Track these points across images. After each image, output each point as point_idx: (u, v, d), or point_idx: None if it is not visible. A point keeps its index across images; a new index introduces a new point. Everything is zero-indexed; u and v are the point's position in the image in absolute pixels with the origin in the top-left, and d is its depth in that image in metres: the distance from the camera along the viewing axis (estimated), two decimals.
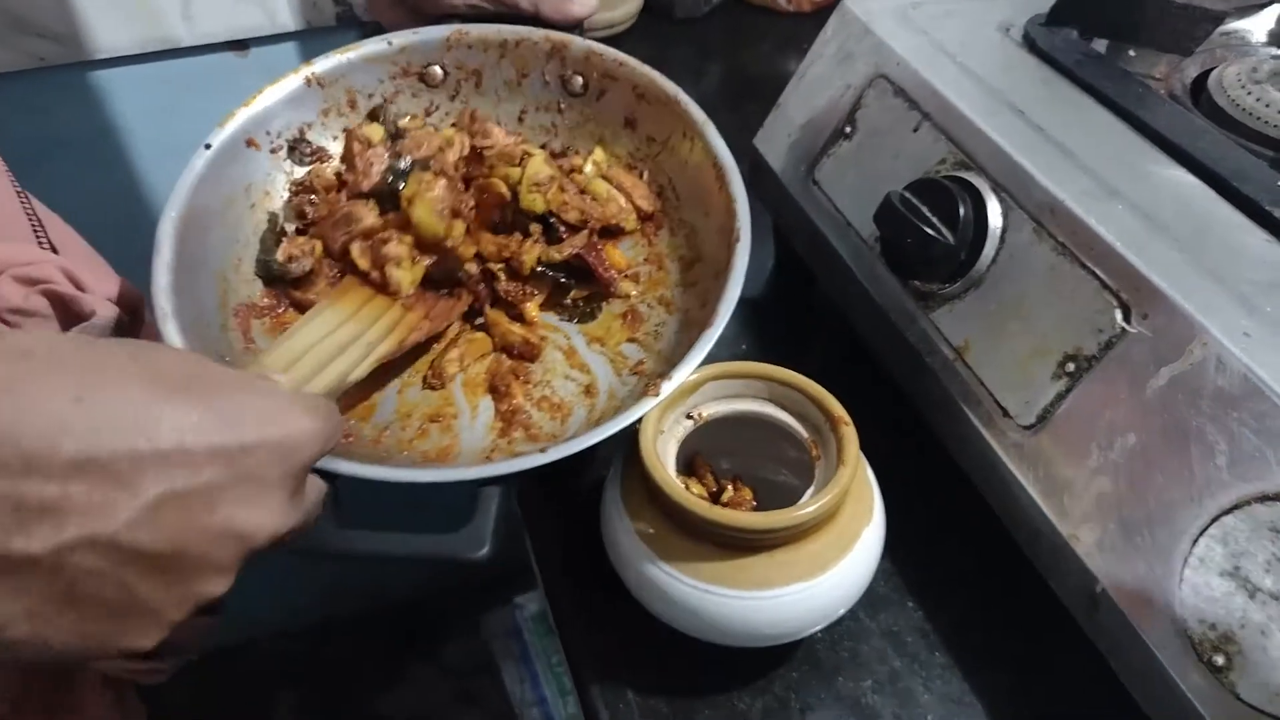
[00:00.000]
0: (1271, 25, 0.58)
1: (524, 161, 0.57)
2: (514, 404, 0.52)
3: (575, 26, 0.65)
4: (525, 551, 0.56)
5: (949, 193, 0.47)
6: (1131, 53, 0.54)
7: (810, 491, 0.43)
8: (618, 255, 0.59)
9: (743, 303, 0.49)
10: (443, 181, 0.54)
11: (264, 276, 0.56)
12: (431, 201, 0.53)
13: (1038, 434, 0.44)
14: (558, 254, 0.56)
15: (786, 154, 0.62)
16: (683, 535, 0.43)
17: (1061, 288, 0.43)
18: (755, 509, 0.50)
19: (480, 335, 0.56)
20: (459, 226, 0.54)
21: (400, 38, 0.61)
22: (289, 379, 0.41)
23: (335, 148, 0.61)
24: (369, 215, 0.55)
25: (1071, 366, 0.43)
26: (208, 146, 0.54)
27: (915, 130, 0.52)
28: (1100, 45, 0.55)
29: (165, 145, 1.03)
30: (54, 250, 0.58)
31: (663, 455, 0.45)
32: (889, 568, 0.52)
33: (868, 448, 0.45)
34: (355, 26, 1.02)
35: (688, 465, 0.51)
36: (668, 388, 0.46)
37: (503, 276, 0.56)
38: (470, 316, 0.57)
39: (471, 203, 0.56)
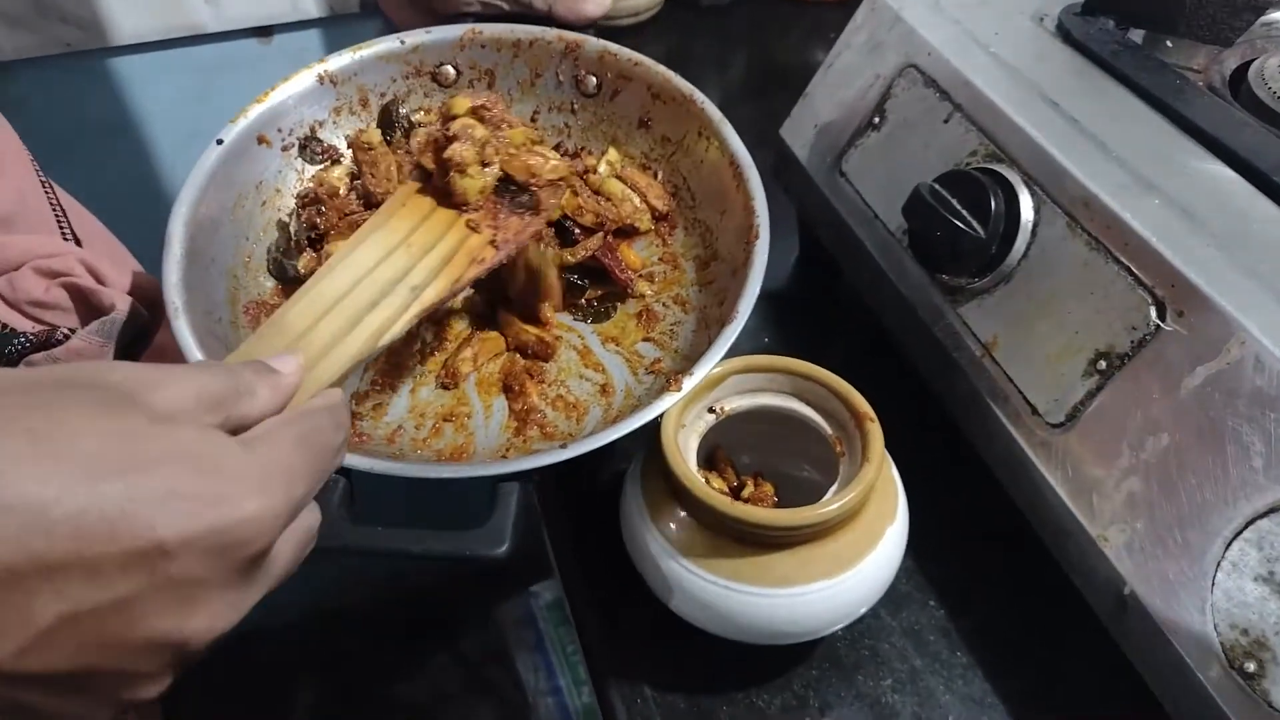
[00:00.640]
0: None
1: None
2: (528, 403, 0.52)
3: (589, 26, 0.64)
4: (540, 540, 0.55)
5: (980, 185, 0.46)
6: (1169, 43, 0.52)
7: (834, 489, 0.43)
8: (632, 255, 0.58)
9: (766, 295, 0.49)
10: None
11: (278, 277, 0.56)
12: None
13: (1067, 432, 0.43)
14: (572, 256, 0.56)
15: (813, 145, 0.61)
16: (703, 531, 0.42)
17: (1094, 283, 0.42)
18: (777, 505, 0.49)
19: (494, 334, 0.56)
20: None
21: (413, 37, 0.61)
22: (304, 355, 0.36)
23: (345, 147, 0.61)
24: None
25: (1103, 364, 0.42)
26: (219, 142, 0.54)
27: (946, 121, 0.51)
28: (1137, 35, 0.54)
29: (189, 131, 1.04)
30: (76, 241, 0.58)
31: (684, 450, 0.44)
32: (911, 565, 0.51)
33: (892, 444, 0.44)
34: (378, 13, 1.02)
35: (708, 460, 0.51)
36: (689, 383, 0.45)
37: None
38: (481, 320, 0.57)
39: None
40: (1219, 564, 0.37)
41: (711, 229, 0.58)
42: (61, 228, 0.57)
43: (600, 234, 0.57)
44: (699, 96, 0.58)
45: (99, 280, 0.52)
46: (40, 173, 0.59)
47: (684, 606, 0.44)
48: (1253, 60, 0.52)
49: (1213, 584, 0.37)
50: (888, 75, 0.55)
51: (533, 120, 0.63)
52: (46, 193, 0.58)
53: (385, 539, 0.41)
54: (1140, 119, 0.47)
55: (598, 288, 0.58)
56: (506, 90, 0.63)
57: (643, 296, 0.57)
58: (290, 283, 0.55)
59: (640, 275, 0.58)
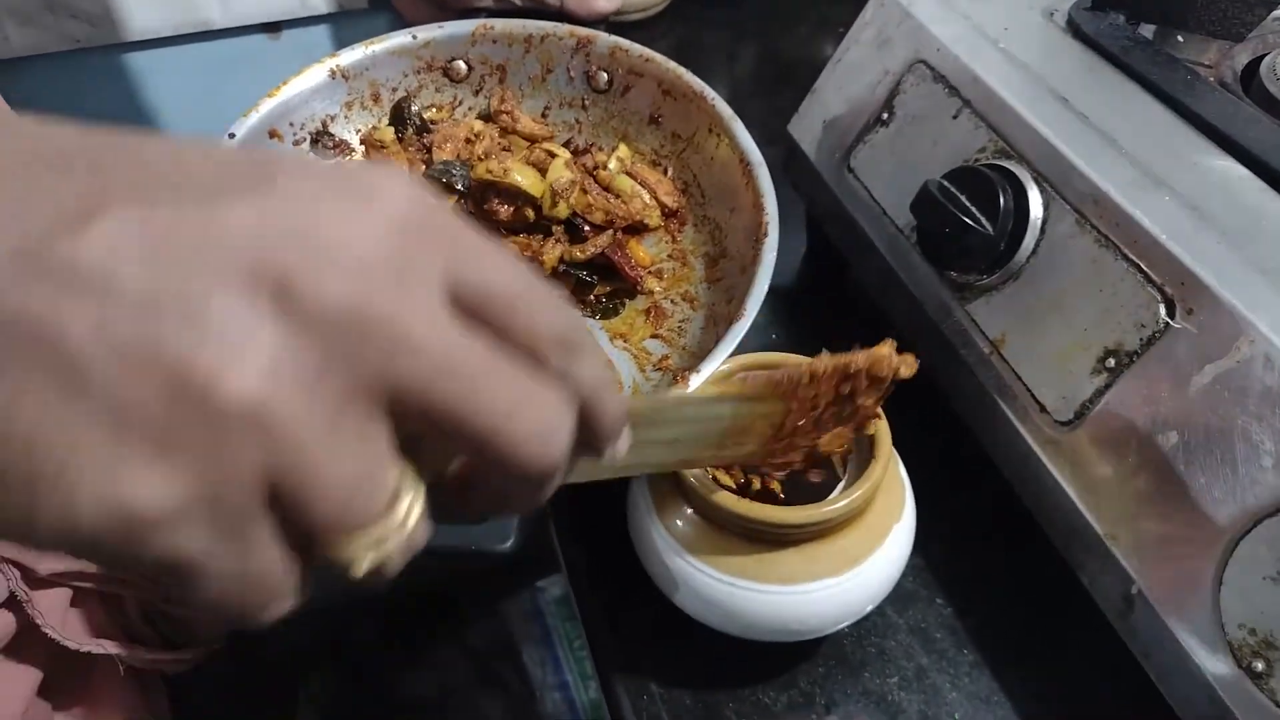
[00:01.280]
0: None
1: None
2: None
3: (600, 22, 0.64)
4: (547, 535, 0.56)
5: (989, 182, 0.46)
6: (1180, 38, 0.52)
7: (841, 486, 0.43)
8: (641, 252, 0.58)
9: (774, 292, 0.49)
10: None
11: None
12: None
13: (1075, 430, 0.43)
14: (581, 253, 0.56)
15: (821, 141, 0.61)
16: (710, 528, 0.42)
17: (1103, 281, 0.42)
18: (783, 502, 0.49)
19: None
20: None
21: (425, 32, 0.61)
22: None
23: (357, 141, 0.61)
24: None
25: (1112, 362, 0.42)
26: (231, 136, 0.54)
27: (955, 117, 0.51)
28: (1147, 30, 0.53)
29: (198, 127, 1.04)
30: None
31: None
32: (918, 563, 0.51)
33: (899, 441, 0.44)
34: (388, 9, 1.02)
35: None
36: (696, 380, 0.45)
37: None
38: None
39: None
40: (1227, 563, 0.36)
41: (721, 226, 0.58)
42: None
43: (610, 231, 0.57)
44: (710, 93, 0.58)
45: None
46: None
47: (690, 603, 0.44)
48: (1264, 55, 0.51)
49: (1221, 583, 0.37)
50: (896, 71, 0.55)
51: (543, 116, 0.63)
52: None
53: None
54: (1150, 115, 0.47)
55: (606, 284, 0.58)
56: (517, 86, 0.63)
57: (651, 293, 0.57)
58: None
59: (649, 272, 0.58)
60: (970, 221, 0.46)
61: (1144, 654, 0.41)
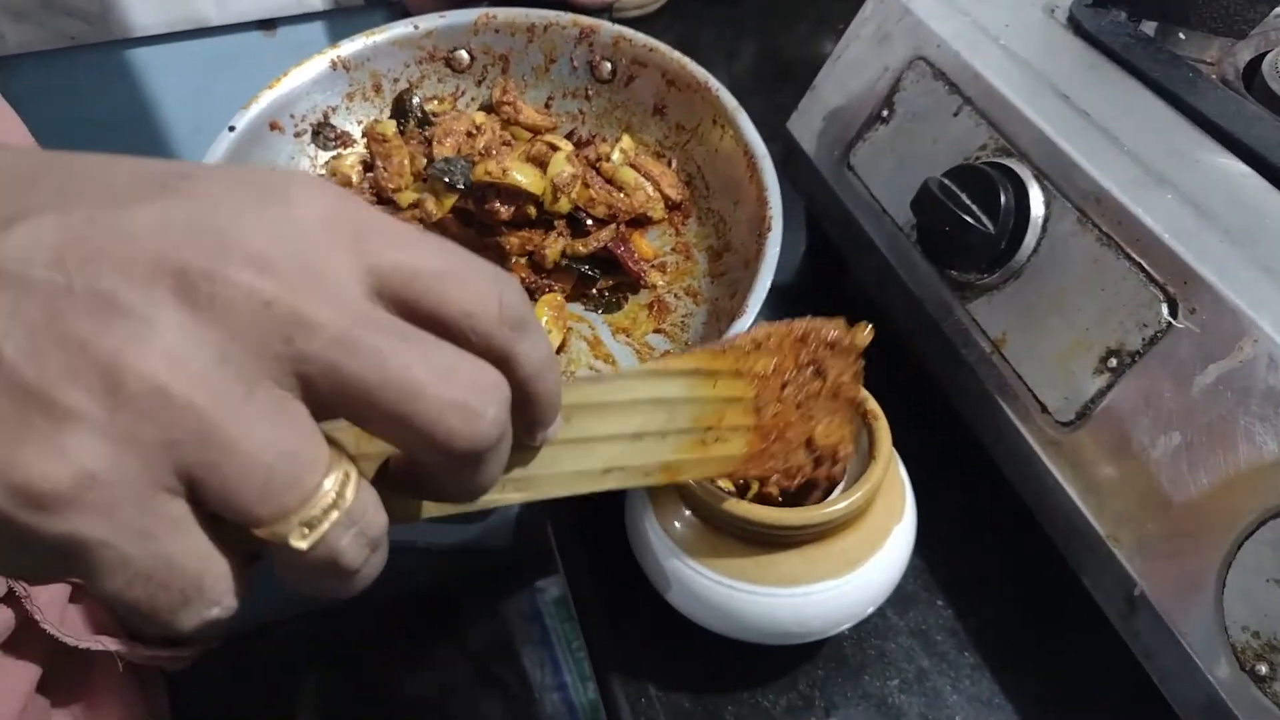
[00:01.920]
0: None
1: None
2: None
3: (604, 11, 0.64)
4: (545, 536, 0.55)
5: (990, 180, 0.46)
6: (1182, 35, 0.52)
7: (841, 487, 0.42)
8: (645, 245, 0.58)
9: (773, 290, 0.48)
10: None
11: None
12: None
13: (1077, 431, 0.42)
14: (583, 248, 0.55)
15: (821, 138, 0.60)
16: (709, 529, 0.42)
17: (1105, 279, 0.42)
18: (782, 504, 0.49)
19: None
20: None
21: (426, 21, 0.60)
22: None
23: (359, 133, 0.60)
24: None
25: (1114, 362, 0.41)
26: (231, 129, 0.54)
27: (955, 115, 0.50)
28: (1149, 27, 0.53)
29: (194, 124, 1.03)
30: None
31: None
32: (919, 565, 0.51)
33: (899, 442, 0.44)
34: (384, 7, 1.02)
35: None
36: None
37: (527, 270, 0.56)
38: None
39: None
40: (1230, 565, 0.36)
41: (725, 219, 0.57)
42: None
43: (612, 225, 0.56)
44: (714, 83, 0.58)
45: None
46: None
47: (688, 605, 0.43)
48: (1266, 52, 0.51)
49: (1224, 585, 0.36)
50: (896, 68, 0.54)
51: (547, 106, 0.63)
52: None
53: (391, 532, 0.41)
54: (1152, 112, 0.47)
55: (609, 278, 0.57)
56: (521, 76, 0.63)
57: (654, 287, 0.57)
58: None
59: (652, 265, 0.57)
60: (971, 220, 0.46)
61: (1146, 656, 0.40)
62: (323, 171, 0.59)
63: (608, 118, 0.63)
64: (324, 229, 0.22)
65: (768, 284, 0.48)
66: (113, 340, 0.19)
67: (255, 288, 0.20)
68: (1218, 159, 0.44)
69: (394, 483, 0.25)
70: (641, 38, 0.60)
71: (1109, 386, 0.41)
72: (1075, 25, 0.52)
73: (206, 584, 0.21)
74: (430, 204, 0.55)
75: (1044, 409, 0.44)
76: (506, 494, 0.29)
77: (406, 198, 0.56)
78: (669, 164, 0.60)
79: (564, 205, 0.55)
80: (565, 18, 0.61)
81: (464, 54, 0.62)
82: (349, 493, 0.22)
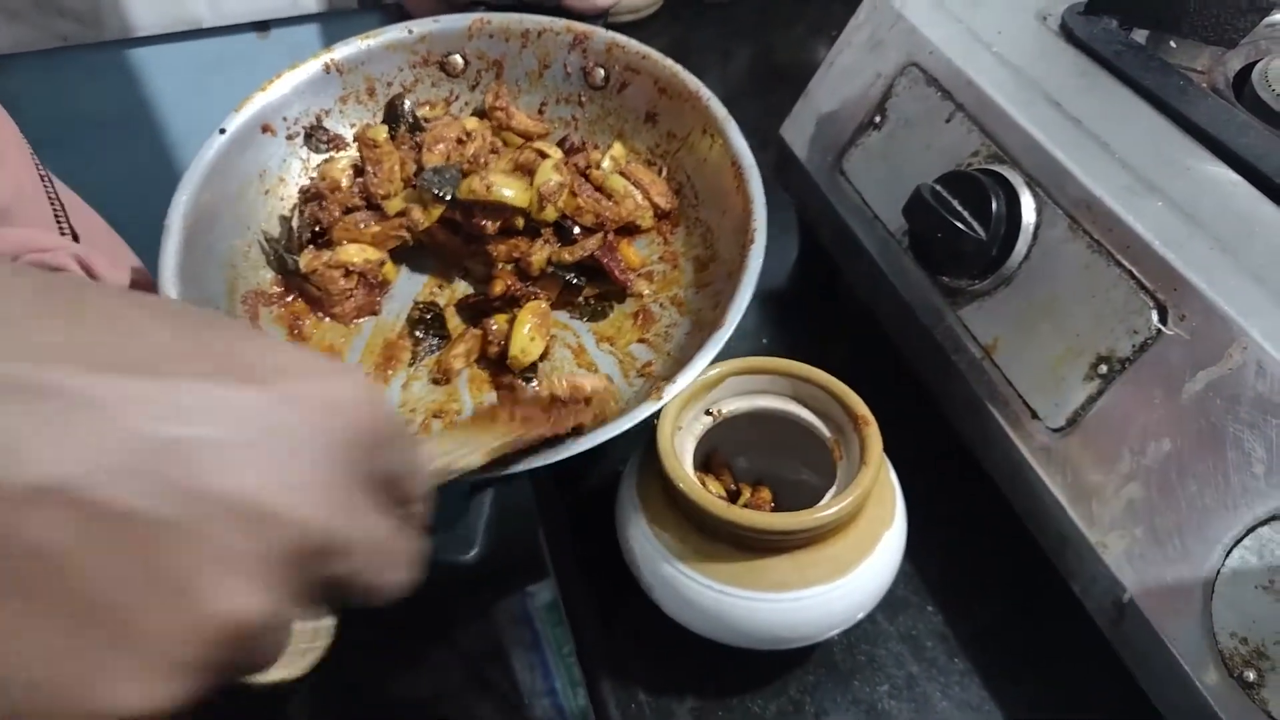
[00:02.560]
0: None
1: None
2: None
3: (598, 17, 0.64)
4: (534, 541, 0.55)
5: (981, 186, 0.46)
6: (1173, 44, 0.52)
7: (831, 492, 0.42)
8: (632, 253, 0.58)
9: (765, 296, 0.48)
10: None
11: (278, 269, 0.55)
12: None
13: (1067, 437, 0.43)
14: (570, 256, 0.55)
15: (813, 144, 0.60)
16: (699, 535, 0.42)
17: (1095, 286, 0.42)
18: (774, 509, 0.49)
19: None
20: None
21: (421, 26, 0.60)
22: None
23: (352, 136, 0.60)
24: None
25: (1104, 368, 0.41)
26: (222, 131, 0.53)
27: (947, 121, 0.50)
28: (1140, 36, 0.53)
29: (187, 125, 1.03)
30: (74, 235, 0.58)
31: (680, 452, 0.44)
32: (909, 570, 0.51)
33: (890, 447, 0.44)
34: (377, 9, 1.02)
35: (705, 462, 0.50)
36: (671, 391, 0.44)
37: (512, 277, 0.56)
38: (477, 316, 0.56)
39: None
40: (1219, 571, 0.36)
41: (712, 229, 0.57)
42: (59, 222, 0.57)
43: (599, 234, 0.56)
44: (705, 93, 0.58)
45: (91, 275, 0.52)
46: (40, 166, 0.59)
47: (679, 610, 0.43)
48: (1257, 61, 0.51)
49: (1213, 592, 0.36)
50: (889, 74, 0.54)
51: (540, 112, 0.63)
52: (45, 187, 0.58)
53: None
54: (1143, 120, 0.47)
55: (595, 286, 0.57)
56: (514, 81, 0.62)
57: (640, 296, 0.57)
58: (290, 276, 0.55)
59: (639, 274, 0.57)
60: (962, 226, 0.46)
61: (1135, 662, 0.40)
62: (313, 175, 0.58)
63: (600, 124, 0.63)
64: (348, 444, 0.25)
65: (749, 296, 0.48)
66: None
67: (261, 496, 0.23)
68: (1208, 167, 0.44)
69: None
70: (634, 44, 0.60)
71: (1099, 393, 0.41)
72: (1067, 33, 0.53)
73: None
74: (417, 213, 0.55)
75: (1034, 415, 0.44)
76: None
77: (394, 205, 0.56)
78: (659, 172, 0.60)
79: (550, 214, 0.55)
80: (559, 23, 0.61)
81: (458, 59, 0.62)
82: None
